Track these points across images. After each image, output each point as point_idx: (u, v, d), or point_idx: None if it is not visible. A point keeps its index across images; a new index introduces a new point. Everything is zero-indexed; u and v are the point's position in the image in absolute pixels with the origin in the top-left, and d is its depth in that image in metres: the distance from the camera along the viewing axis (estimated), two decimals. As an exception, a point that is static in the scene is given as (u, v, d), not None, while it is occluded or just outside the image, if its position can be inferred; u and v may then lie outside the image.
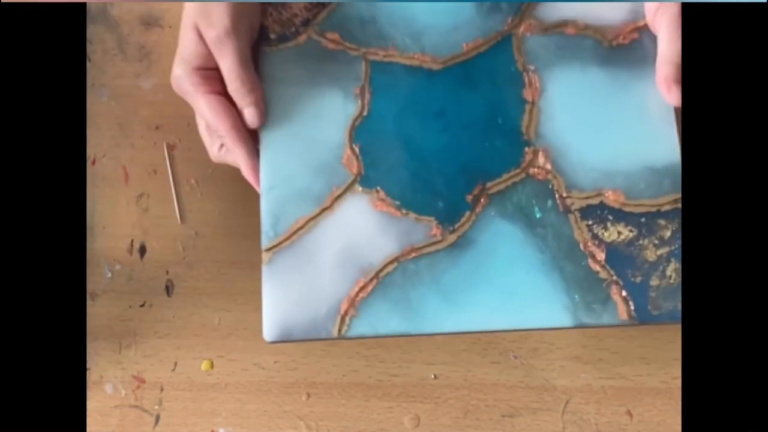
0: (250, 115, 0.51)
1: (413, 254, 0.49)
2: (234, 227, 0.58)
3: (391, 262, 0.49)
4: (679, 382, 0.54)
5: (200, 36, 0.51)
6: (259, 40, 0.53)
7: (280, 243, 0.49)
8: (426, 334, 0.48)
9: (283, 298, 0.48)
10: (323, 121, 0.51)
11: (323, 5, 0.53)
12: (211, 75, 0.52)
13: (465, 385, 0.55)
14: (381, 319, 0.48)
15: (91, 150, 0.60)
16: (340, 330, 0.48)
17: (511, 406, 0.54)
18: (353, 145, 0.51)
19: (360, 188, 0.50)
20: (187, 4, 0.51)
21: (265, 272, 0.49)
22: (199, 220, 0.58)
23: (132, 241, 0.58)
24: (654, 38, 0.51)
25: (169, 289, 0.57)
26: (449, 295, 0.48)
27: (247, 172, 0.51)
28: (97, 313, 0.56)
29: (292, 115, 0.51)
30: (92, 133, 0.60)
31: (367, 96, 0.52)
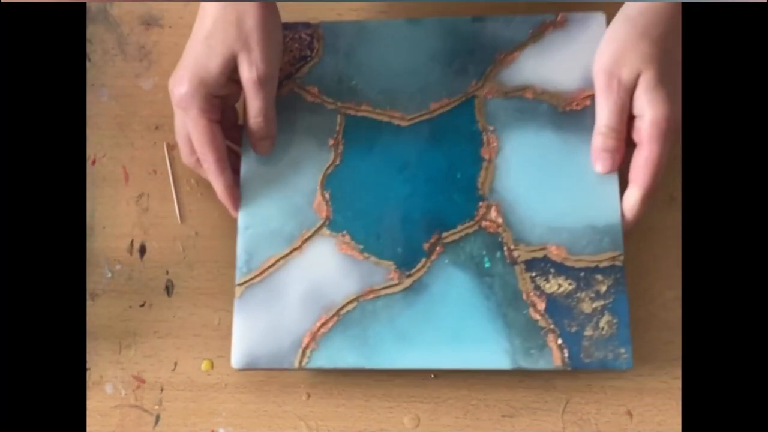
0: (265, 146, 0.55)
1: (372, 295, 0.53)
2: (234, 227, 0.58)
3: (351, 301, 0.53)
4: (679, 382, 0.54)
5: (233, 66, 0.52)
6: None
7: (252, 279, 0.54)
8: (379, 369, 0.52)
9: (252, 330, 0.53)
10: (299, 168, 0.56)
11: (306, 61, 0.58)
12: (217, 102, 0.53)
13: (465, 385, 0.55)
14: (339, 353, 0.52)
15: (91, 150, 0.60)
16: (300, 362, 0.52)
17: (511, 406, 0.54)
18: (324, 192, 0.55)
19: (328, 232, 0.54)
20: (216, 25, 0.51)
21: (237, 305, 0.53)
22: (199, 220, 0.58)
23: (132, 241, 0.58)
24: None
25: (169, 289, 0.57)
26: (402, 335, 0.52)
27: (224, 198, 0.54)
28: (97, 313, 0.56)
29: (271, 161, 0.56)
30: (92, 133, 0.60)
31: (340, 147, 0.56)
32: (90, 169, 0.59)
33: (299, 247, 0.54)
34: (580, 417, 0.54)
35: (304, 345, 0.52)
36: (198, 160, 0.55)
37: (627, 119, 0.52)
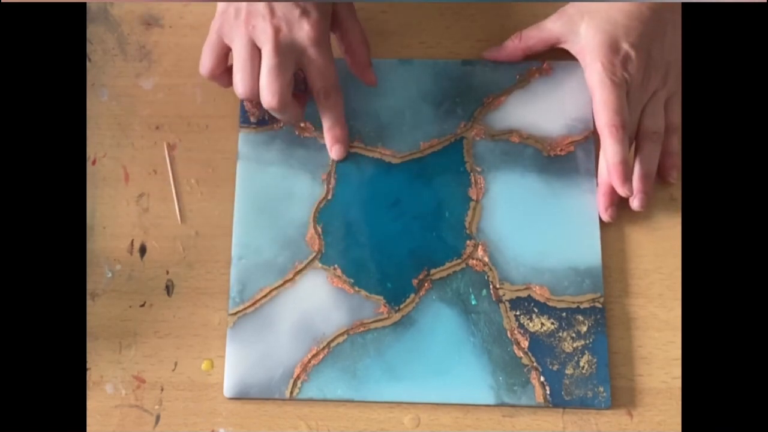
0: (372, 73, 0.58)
1: (362, 328, 0.54)
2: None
3: (341, 334, 0.54)
4: (679, 382, 0.54)
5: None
6: (240, 123, 0.59)
7: (245, 309, 0.55)
8: (367, 401, 0.53)
9: (244, 360, 0.54)
10: (292, 201, 0.57)
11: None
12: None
13: (465, 385, 0.55)
14: (329, 385, 0.53)
15: (91, 150, 0.60)
16: (291, 392, 0.53)
17: (511, 406, 0.54)
18: (317, 225, 0.56)
19: (319, 264, 0.56)
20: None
21: (230, 335, 0.54)
22: (199, 220, 0.58)
23: (132, 241, 0.58)
24: (586, 152, 0.57)
25: (169, 289, 0.57)
26: (390, 368, 0.53)
27: (340, 119, 0.57)
28: (97, 313, 0.56)
29: (265, 193, 0.57)
30: (92, 133, 0.60)
31: (333, 182, 0.57)
32: (90, 169, 0.59)
33: (291, 279, 0.55)
34: (580, 417, 0.54)
35: (295, 376, 0.53)
36: (247, 85, 0.53)
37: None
